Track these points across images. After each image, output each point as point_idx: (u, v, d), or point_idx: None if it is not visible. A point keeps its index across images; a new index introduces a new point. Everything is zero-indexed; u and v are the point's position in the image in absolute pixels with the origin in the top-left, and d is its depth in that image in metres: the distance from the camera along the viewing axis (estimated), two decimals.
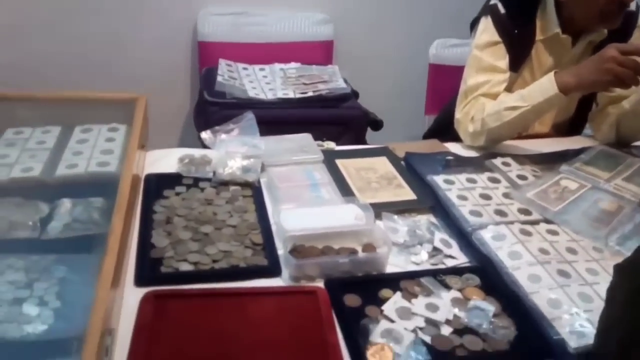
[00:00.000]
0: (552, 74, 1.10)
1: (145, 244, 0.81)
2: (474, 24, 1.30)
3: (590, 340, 0.67)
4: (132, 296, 0.72)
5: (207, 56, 1.80)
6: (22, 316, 0.65)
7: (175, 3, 1.82)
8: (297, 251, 0.82)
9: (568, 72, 1.09)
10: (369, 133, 1.63)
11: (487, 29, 1.21)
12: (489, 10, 1.21)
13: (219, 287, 0.75)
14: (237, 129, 1.12)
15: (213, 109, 1.49)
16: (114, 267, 0.64)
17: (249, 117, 1.14)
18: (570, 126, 1.37)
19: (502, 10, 1.19)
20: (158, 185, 0.97)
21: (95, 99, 1.16)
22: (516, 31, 1.19)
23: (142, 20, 1.81)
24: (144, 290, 0.73)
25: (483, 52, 1.21)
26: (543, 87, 1.11)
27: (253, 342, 0.67)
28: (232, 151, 1.05)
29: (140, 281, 0.75)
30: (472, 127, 1.19)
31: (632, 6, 1.18)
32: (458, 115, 1.24)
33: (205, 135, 1.12)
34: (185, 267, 0.78)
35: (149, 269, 0.77)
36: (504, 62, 1.20)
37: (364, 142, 1.55)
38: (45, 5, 1.75)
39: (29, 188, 0.89)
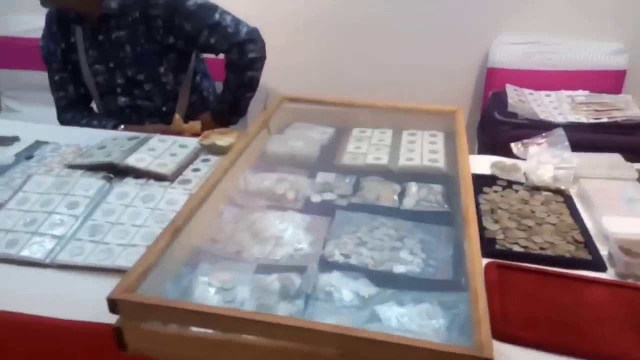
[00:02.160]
0: None
1: (479, 225, 0.97)
2: None
3: None
4: None
5: (493, 81, 1.95)
6: (401, 259, 0.87)
7: (471, 32, 2.03)
8: (624, 252, 0.88)
9: None
10: None
11: None
12: None
13: (553, 269, 0.86)
14: (546, 143, 1.22)
15: (503, 128, 1.62)
16: (477, 233, 0.81)
17: (559, 133, 1.23)
18: None
19: None
20: (477, 183, 1.13)
21: (419, 109, 1.39)
22: None
23: (442, 46, 2.06)
24: (484, 260, 0.88)
25: None
26: None
27: (594, 319, 0.76)
28: (544, 161, 1.15)
29: (482, 252, 0.90)
30: None
31: None
32: None
33: (516, 146, 1.25)
34: (517, 248, 0.92)
35: (486, 245, 0.92)
36: None
37: None
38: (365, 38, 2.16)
39: (380, 172, 1.14)
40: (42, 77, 2.31)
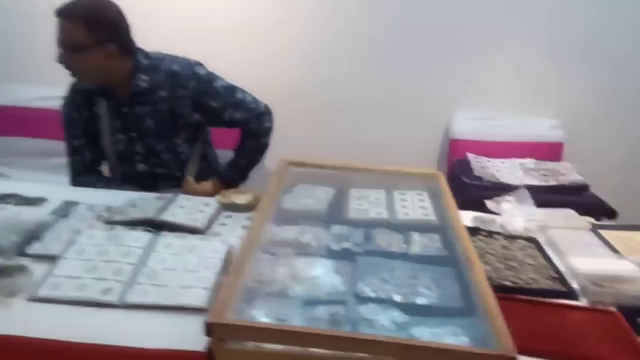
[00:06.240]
0: None
1: None
2: None
3: None
4: None
5: (455, 150, 2.24)
6: (420, 293, 1.05)
7: (435, 107, 2.36)
8: (593, 284, 1.10)
9: None
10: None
11: None
12: None
13: (540, 299, 1.07)
14: (515, 200, 1.47)
15: (471, 189, 1.88)
16: (482, 268, 1.01)
17: (524, 192, 1.49)
18: None
19: None
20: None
21: (403, 172, 1.61)
22: None
23: (409, 120, 2.37)
24: None
25: None
26: None
27: (579, 334, 0.96)
28: (515, 215, 1.40)
29: None
30: None
31: None
32: None
33: (491, 203, 1.49)
34: (509, 284, 1.13)
35: None
36: None
37: None
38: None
39: (382, 225, 1.34)
40: (29, 143, 2.41)
